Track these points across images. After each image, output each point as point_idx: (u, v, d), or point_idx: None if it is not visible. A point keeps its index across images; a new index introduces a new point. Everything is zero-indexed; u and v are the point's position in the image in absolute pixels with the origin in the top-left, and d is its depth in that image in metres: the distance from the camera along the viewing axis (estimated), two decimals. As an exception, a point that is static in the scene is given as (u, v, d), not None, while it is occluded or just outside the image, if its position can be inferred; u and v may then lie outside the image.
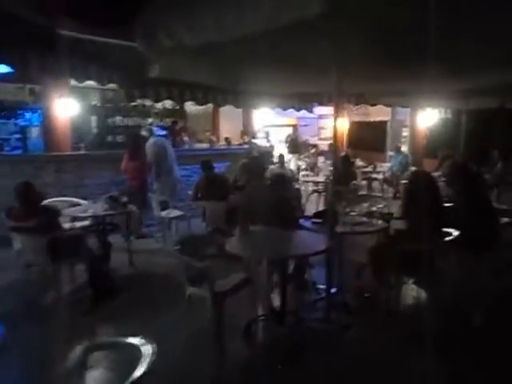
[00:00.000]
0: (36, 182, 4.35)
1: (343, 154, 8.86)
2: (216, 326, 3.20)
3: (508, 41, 2.87)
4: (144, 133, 7.67)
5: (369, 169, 10.95)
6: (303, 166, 12.06)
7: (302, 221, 4.43)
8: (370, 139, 14.45)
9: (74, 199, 5.77)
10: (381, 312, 3.82)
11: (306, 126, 16.39)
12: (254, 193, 4.94)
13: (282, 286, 3.57)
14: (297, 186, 8.61)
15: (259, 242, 3.66)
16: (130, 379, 1.67)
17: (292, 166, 11.69)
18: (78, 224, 5.15)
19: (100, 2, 5.37)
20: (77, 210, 5.17)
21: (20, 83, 8.03)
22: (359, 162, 11.00)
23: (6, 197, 4.27)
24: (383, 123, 14.73)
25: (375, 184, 10.68)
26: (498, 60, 3.46)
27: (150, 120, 10.70)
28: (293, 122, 15.87)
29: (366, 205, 4.68)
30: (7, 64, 5.84)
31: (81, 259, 4.24)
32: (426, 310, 3.79)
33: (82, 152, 7.99)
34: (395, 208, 4.56)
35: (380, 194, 9.99)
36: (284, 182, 5.13)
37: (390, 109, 13.87)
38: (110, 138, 10.03)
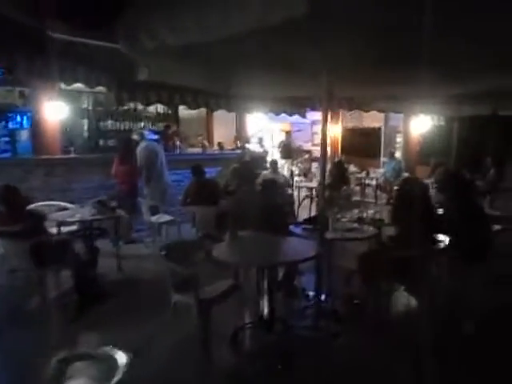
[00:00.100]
0: (23, 186, 4.27)
1: (337, 159, 8.84)
2: (203, 333, 3.15)
3: (500, 44, 2.84)
4: (135, 137, 7.60)
5: (362, 175, 10.93)
6: (297, 172, 12.03)
7: (292, 227, 4.39)
8: (363, 145, 14.44)
9: (62, 203, 5.70)
10: (370, 319, 3.77)
11: (299, 131, 16.28)
12: (245, 198, 4.89)
13: (271, 293, 3.51)
14: (290, 192, 8.59)
15: (248, 248, 3.61)
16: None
17: (285, 171, 11.66)
18: (65, 229, 5.07)
19: (89, 4, 5.31)
20: (64, 215, 5.11)
21: (9, 86, 7.95)
22: (353, 168, 10.98)
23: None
24: (377, 129, 14.74)
25: (369, 190, 10.66)
26: (490, 64, 3.44)
27: (141, 124, 10.61)
28: (286, 127, 15.81)
29: (357, 211, 4.64)
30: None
31: (67, 265, 4.16)
32: (417, 317, 3.74)
33: (72, 155, 7.90)
34: (387, 214, 4.54)
35: (373, 200, 9.99)
36: (275, 187, 5.10)
37: (383, 115, 13.88)
38: (101, 142, 9.94)
